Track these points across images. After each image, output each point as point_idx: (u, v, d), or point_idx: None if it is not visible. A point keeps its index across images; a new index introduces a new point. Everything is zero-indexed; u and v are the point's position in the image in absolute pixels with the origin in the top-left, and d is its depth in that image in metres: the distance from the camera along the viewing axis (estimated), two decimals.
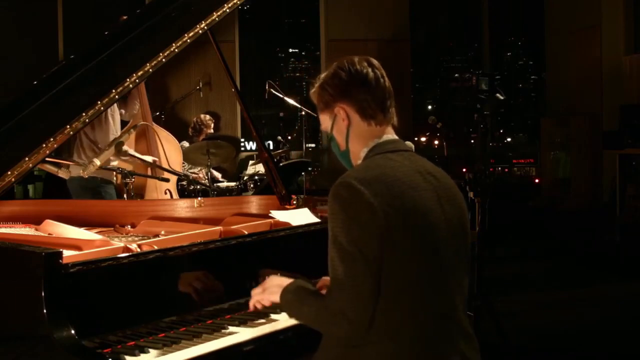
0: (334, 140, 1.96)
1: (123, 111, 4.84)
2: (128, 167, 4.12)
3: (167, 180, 4.26)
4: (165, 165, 4.19)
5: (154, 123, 4.68)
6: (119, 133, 4.66)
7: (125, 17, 4.33)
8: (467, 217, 1.89)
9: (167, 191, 4.37)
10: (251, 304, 2.09)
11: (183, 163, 6.55)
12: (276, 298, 1.96)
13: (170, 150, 4.64)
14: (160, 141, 4.59)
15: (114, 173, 4.46)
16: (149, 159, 4.23)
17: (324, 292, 2.18)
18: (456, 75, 11.36)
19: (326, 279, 2.35)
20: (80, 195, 4.53)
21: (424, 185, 1.78)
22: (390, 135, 1.91)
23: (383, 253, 1.68)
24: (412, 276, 1.71)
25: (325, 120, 1.96)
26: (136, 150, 4.31)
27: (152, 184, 4.65)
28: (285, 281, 1.98)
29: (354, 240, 1.69)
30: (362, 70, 1.88)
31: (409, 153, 1.89)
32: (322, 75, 1.95)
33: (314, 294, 1.87)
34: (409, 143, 4.64)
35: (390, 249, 1.69)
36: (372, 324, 1.71)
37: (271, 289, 2.01)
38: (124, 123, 4.91)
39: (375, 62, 1.92)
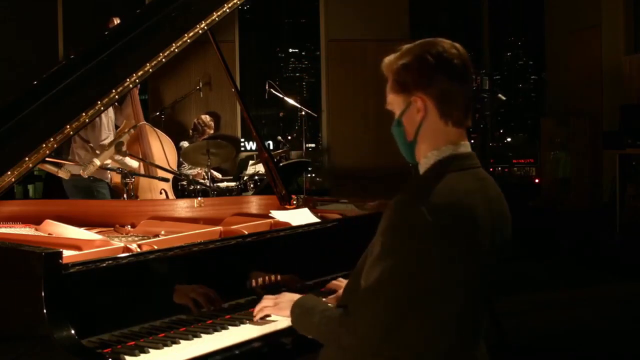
0: (401, 127, 1.77)
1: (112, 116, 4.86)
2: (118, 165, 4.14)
3: (167, 179, 4.26)
4: (165, 165, 4.20)
5: (147, 124, 4.69)
6: (111, 133, 4.69)
7: (116, 19, 4.34)
8: (508, 247, 1.80)
9: (163, 191, 4.38)
10: (259, 313, 2.10)
11: (183, 163, 6.57)
12: (286, 313, 1.95)
13: (166, 149, 4.67)
14: (161, 141, 4.61)
15: (108, 172, 4.49)
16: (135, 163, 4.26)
17: (330, 298, 2.17)
18: None
19: (336, 282, 2.35)
20: (74, 195, 4.56)
21: (485, 217, 1.68)
22: (464, 145, 1.75)
23: (428, 282, 1.63)
24: (453, 305, 1.67)
25: (395, 102, 1.77)
26: (129, 151, 4.33)
27: (145, 183, 4.66)
28: (297, 296, 1.98)
29: (404, 265, 1.62)
30: (453, 60, 1.69)
31: (479, 171, 1.75)
32: (404, 50, 1.74)
33: (323, 307, 1.84)
34: None
35: (439, 279, 1.63)
36: (398, 342, 1.67)
37: (283, 304, 2.00)
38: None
39: (463, 50, 1.72)
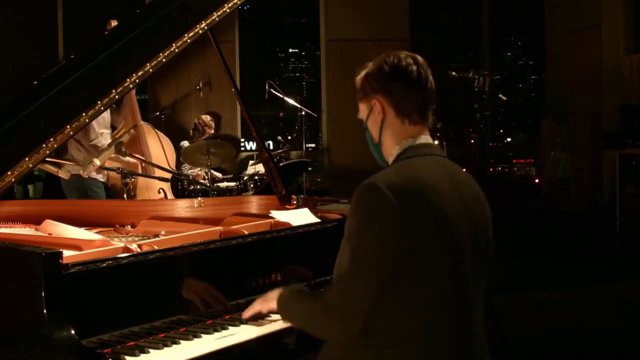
0: (368, 131, 1.97)
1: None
2: (115, 164, 4.15)
3: (167, 179, 4.26)
4: (164, 165, 4.21)
5: (146, 124, 4.69)
6: (100, 134, 4.69)
7: (114, 22, 4.34)
8: (491, 229, 1.87)
9: (161, 190, 4.37)
10: (248, 311, 2.13)
11: (183, 163, 6.58)
12: (273, 304, 1.99)
13: (165, 149, 4.66)
14: (161, 141, 4.61)
15: (105, 171, 4.50)
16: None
17: None
18: (454, 73, 11.30)
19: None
20: (71, 194, 4.56)
21: (452, 194, 1.76)
22: (425, 138, 1.89)
23: (398, 261, 1.66)
24: (431, 286, 1.69)
25: (362, 110, 1.96)
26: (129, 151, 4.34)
27: (142, 183, 4.66)
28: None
29: (369, 243, 1.68)
30: (407, 67, 1.87)
31: (440, 158, 1.87)
32: (370, 64, 1.94)
33: (309, 295, 1.90)
34: None
35: (410, 258, 1.67)
36: (382, 330, 1.69)
37: (269, 296, 2.05)
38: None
39: (421, 60, 1.90)
